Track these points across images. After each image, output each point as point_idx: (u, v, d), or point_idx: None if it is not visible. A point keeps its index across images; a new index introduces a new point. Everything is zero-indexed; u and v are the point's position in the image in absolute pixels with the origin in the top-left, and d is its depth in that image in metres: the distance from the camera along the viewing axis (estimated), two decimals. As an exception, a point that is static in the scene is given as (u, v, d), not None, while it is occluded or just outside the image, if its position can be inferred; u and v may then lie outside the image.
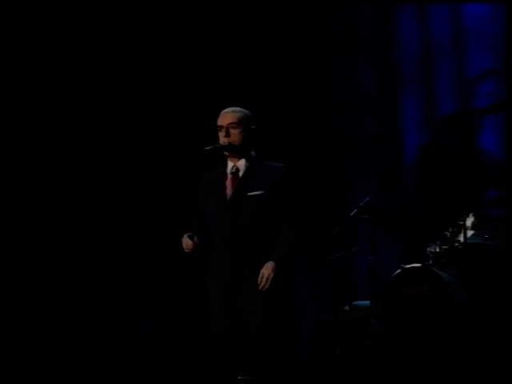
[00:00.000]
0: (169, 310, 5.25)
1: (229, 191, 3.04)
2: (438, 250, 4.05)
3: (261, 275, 2.86)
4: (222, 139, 3.01)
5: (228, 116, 3.06)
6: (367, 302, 4.35)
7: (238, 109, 3.13)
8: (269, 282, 2.85)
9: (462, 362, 3.71)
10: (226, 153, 3.03)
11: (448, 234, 4.04)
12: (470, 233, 3.95)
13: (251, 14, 5.61)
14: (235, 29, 5.67)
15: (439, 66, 5.28)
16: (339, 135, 5.34)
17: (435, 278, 3.82)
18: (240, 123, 3.04)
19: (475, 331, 3.73)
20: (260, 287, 2.86)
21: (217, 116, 3.07)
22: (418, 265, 3.96)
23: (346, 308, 4.27)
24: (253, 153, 3.09)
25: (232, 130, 3.03)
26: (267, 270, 2.86)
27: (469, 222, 3.98)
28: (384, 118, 5.37)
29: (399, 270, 3.98)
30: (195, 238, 2.94)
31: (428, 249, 4.10)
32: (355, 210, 4.27)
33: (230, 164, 3.06)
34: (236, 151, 3.03)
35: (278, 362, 2.98)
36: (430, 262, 4.01)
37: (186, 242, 2.96)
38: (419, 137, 5.28)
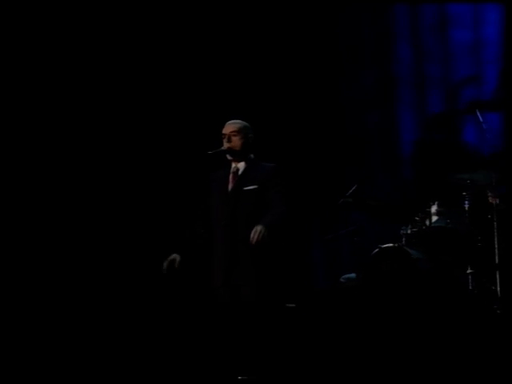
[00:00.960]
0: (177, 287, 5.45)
1: (230, 187, 3.72)
2: (409, 232, 4.93)
3: (253, 231, 3.39)
4: (225, 145, 3.71)
5: (230, 126, 3.76)
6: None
7: (238, 121, 3.81)
8: (260, 235, 3.38)
9: (428, 322, 4.57)
10: (228, 156, 3.70)
11: (417, 218, 4.92)
12: (434, 218, 4.83)
13: (262, 18, 6.08)
14: (246, 34, 6.08)
15: (429, 73, 6.10)
16: (344, 131, 6.12)
17: (406, 255, 4.70)
18: (239, 132, 3.73)
19: (437, 296, 4.59)
20: (253, 240, 3.38)
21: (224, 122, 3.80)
22: (392, 244, 4.83)
23: (341, 280, 5.19)
24: (251, 156, 3.78)
25: (233, 138, 3.72)
26: (258, 227, 3.40)
27: (434, 209, 4.85)
28: (384, 118, 6.18)
29: (377, 249, 4.85)
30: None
31: (401, 231, 4.98)
32: (342, 199, 5.16)
33: (233, 165, 3.75)
34: (235, 155, 3.71)
35: (268, 330, 3.53)
36: (403, 242, 4.89)
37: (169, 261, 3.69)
38: (413, 133, 6.11)
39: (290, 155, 5.72)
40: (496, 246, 4.45)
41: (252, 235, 3.40)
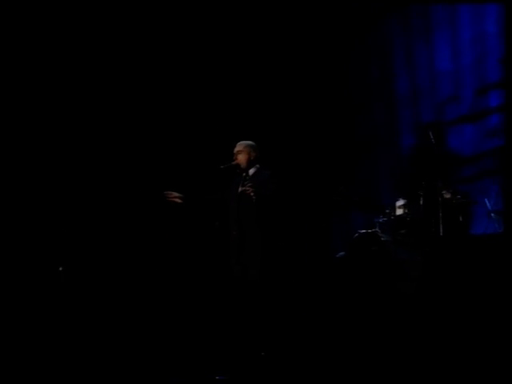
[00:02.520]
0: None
1: (239, 189, 4.84)
2: (381, 220, 6.58)
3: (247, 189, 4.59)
4: (234, 161, 4.93)
5: (237, 146, 4.93)
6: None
7: (243, 142, 4.93)
8: (250, 191, 4.53)
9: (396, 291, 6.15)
10: (237, 169, 4.86)
11: (387, 211, 6.55)
12: (398, 210, 6.46)
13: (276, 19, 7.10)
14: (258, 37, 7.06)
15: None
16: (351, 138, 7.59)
17: (377, 238, 6.35)
18: (243, 151, 4.88)
19: (402, 271, 6.21)
20: (250, 192, 4.53)
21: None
22: (369, 230, 6.49)
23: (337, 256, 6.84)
24: (258, 165, 4.92)
25: (238, 156, 4.89)
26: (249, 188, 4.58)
27: (398, 203, 6.48)
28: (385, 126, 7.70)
29: (357, 234, 6.51)
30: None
31: (375, 220, 6.63)
32: (333, 197, 6.81)
33: (244, 174, 4.91)
34: (241, 168, 4.88)
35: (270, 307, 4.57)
36: (376, 229, 6.53)
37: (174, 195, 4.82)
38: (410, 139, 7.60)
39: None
40: (441, 229, 6.04)
41: (248, 190, 4.58)
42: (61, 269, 5.77)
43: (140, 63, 6.75)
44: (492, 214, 6.36)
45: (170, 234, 6.45)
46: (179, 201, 4.91)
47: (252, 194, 4.57)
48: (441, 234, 5.99)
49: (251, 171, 4.94)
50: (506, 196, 6.84)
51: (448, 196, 6.26)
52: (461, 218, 6.20)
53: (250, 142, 4.99)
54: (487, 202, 6.36)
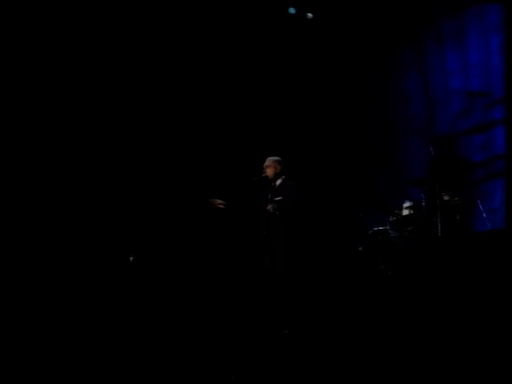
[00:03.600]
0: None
1: (269, 196, 6.04)
2: (391, 219, 7.86)
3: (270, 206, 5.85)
4: (264, 174, 6.11)
5: (266, 161, 6.13)
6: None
7: (271, 158, 6.12)
8: (272, 208, 5.77)
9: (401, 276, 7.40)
10: (266, 181, 6.09)
11: (396, 211, 7.82)
12: (405, 211, 7.71)
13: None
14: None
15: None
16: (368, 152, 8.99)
17: (387, 234, 7.62)
18: (271, 166, 6.10)
19: (406, 259, 7.44)
20: (270, 209, 5.81)
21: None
22: (381, 227, 7.77)
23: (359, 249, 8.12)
24: (283, 177, 6.11)
25: (267, 169, 6.09)
26: (272, 204, 5.84)
27: (406, 205, 7.74)
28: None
29: (371, 230, 7.80)
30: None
31: (387, 219, 7.91)
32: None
33: (272, 183, 6.14)
34: (269, 180, 6.11)
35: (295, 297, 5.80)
36: (387, 226, 7.81)
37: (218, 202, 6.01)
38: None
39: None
40: (439, 226, 7.25)
41: (269, 208, 5.86)
42: (131, 258, 7.07)
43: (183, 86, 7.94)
44: (484, 215, 7.48)
45: (214, 233, 7.76)
46: (222, 206, 6.16)
47: (275, 211, 5.81)
48: (440, 231, 7.17)
49: (278, 182, 6.18)
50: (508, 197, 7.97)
51: (447, 198, 7.47)
52: (458, 217, 7.40)
53: (276, 158, 6.22)
54: (479, 203, 7.50)
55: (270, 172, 6.16)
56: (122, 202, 7.43)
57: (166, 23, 7.53)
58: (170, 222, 7.64)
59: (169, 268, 7.37)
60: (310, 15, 8.80)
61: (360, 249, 8.12)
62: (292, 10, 8.67)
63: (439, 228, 7.19)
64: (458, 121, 8.59)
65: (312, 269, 7.44)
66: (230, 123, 8.31)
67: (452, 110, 8.64)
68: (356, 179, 8.76)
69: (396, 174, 8.72)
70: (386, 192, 8.58)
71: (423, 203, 7.56)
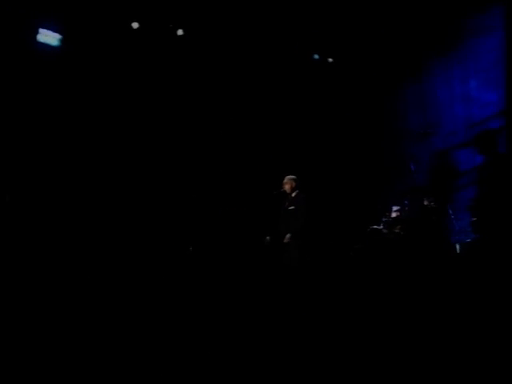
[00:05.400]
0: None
1: (286, 206, 8.45)
2: (384, 219, 10.17)
3: (287, 236, 8.10)
4: (282, 189, 8.50)
5: (284, 179, 8.45)
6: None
7: (289, 176, 8.41)
8: (287, 239, 7.98)
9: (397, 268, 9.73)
10: (284, 194, 8.70)
11: (387, 213, 10.14)
12: (394, 214, 10.03)
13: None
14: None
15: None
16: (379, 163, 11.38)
17: (380, 232, 9.95)
18: (288, 183, 8.42)
19: (400, 252, 9.72)
20: (286, 239, 8.08)
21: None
22: (376, 226, 10.10)
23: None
24: (297, 191, 8.41)
25: (285, 185, 8.42)
26: (288, 235, 8.06)
27: (394, 208, 10.05)
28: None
29: (369, 228, 10.12)
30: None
31: (382, 219, 10.22)
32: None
33: (289, 196, 8.63)
34: (286, 194, 8.49)
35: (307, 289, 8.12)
36: (381, 225, 10.13)
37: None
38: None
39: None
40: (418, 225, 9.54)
41: (285, 239, 8.28)
42: (191, 248, 9.25)
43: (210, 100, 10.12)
44: (452, 216, 9.72)
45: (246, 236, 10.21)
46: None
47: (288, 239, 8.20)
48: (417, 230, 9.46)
49: (293, 194, 8.60)
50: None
51: (426, 203, 9.74)
52: (434, 218, 9.65)
53: (292, 176, 8.65)
54: (449, 207, 9.74)
55: (287, 187, 8.52)
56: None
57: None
58: (216, 224, 10.06)
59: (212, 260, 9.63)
60: (330, 59, 11.45)
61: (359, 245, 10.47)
62: (316, 56, 11.63)
63: (418, 227, 9.49)
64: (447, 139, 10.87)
65: (319, 262, 9.75)
66: (261, 151, 10.93)
67: (443, 131, 10.91)
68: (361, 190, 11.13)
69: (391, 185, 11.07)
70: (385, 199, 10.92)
71: (406, 208, 9.85)
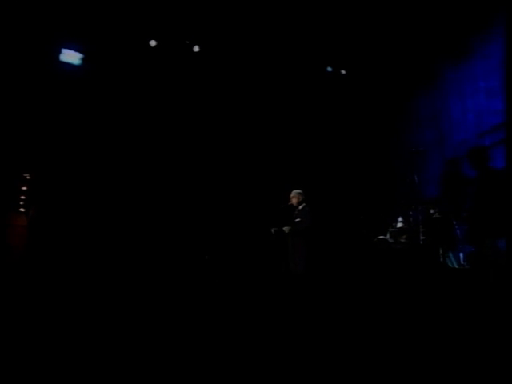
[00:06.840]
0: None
1: (293, 218, 9.37)
2: (391, 229, 10.54)
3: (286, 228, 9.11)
4: (290, 202, 9.33)
5: (291, 194, 9.29)
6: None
7: (295, 191, 9.24)
8: (287, 230, 9.03)
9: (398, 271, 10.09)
10: (291, 207, 9.41)
11: (394, 224, 10.50)
12: (399, 224, 10.38)
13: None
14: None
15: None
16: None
17: (387, 241, 10.32)
18: (295, 197, 9.26)
19: (402, 259, 10.09)
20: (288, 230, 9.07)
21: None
22: (382, 236, 10.47)
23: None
24: (304, 204, 9.28)
25: (292, 199, 9.29)
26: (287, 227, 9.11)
27: (399, 219, 10.41)
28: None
29: (376, 238, 10.50)
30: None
31: (388, 229, 10.59)
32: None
33: (296, 209, 9.39)
34: (293, 207, 9.27)
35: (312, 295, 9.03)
36: (388, 236, 10.50)
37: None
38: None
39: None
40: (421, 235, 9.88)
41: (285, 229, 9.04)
42: (207, 257, 9.83)
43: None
44: (456, 226, 10.02)
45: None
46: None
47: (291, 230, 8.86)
48: (421, 239, 9.80)
49: (300, 207, 9.17)
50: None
51: (431, 212, 10.07)
52: (438, 227, 9.97)
53: (299, 191, 9.31)
54: (452, 217, 10.04)
55: (294, 201, 9.21)
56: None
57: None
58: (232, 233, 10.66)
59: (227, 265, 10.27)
60: (343, 72, 11.85)
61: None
62: (329, 69, 12.05)
63: (421, 237, 9.83)
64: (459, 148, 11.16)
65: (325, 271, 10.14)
66: (275, 161, 11.48)
67: (454, 141, 11.20)
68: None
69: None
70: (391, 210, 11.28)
71: (411, 218, 10.20)
